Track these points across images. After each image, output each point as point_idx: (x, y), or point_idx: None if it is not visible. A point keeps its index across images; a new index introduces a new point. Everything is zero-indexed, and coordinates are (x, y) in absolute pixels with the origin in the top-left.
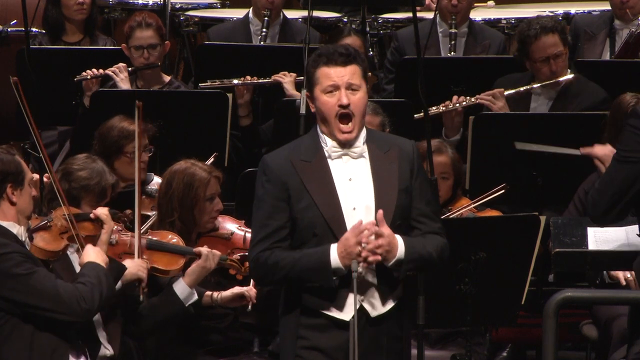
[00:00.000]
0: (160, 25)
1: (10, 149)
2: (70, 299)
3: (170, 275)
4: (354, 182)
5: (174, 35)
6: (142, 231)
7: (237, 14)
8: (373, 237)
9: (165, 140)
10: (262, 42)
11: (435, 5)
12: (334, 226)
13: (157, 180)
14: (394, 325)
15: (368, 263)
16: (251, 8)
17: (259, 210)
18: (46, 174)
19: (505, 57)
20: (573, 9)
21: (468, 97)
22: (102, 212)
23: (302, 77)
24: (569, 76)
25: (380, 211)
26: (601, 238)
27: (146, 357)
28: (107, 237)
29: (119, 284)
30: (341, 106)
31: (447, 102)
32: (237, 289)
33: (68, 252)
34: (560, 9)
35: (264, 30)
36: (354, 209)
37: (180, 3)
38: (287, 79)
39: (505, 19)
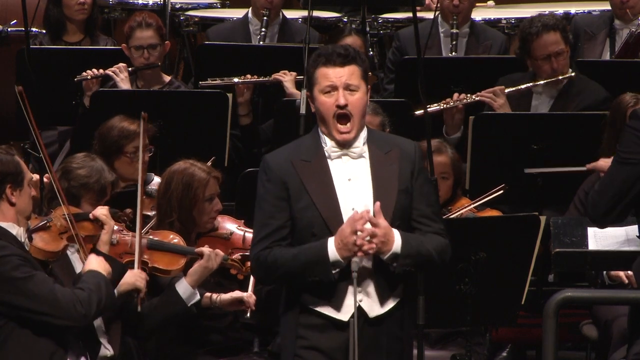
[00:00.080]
0: (160, 25)
1: (9, 149)
2: (67, 304)
3: (171, 275)
4: (353, 182)
5: (174, 35)
6: (143, 231)
7: (237, 14)
8: (369, 225)
9: (165, 140)
10: (261, 42)
11: (435, 5)
12: (332, 226)
13: (157, 181)
14: (394, 326)
15: (363, 252)
16: (250, 8)
17: (259, 209)
18: (46, 175)
19: (506, 57)
20: (573, 9)
21: (469, 95)
22: (102, 212)
23: (302, 77)
24: (570, 74)
25: (378, 203)
26: (601, 238)
27: (146, 357)
28: (108, 238)
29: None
30: (338, 106)
31: (448, 100)
32: (236, 294)
33: (68, 252)
34: (560, 9)
35: (263, 30)
36: (353, 209)
37: (180, 3)
38: (287, 78)
39: (505, 19)
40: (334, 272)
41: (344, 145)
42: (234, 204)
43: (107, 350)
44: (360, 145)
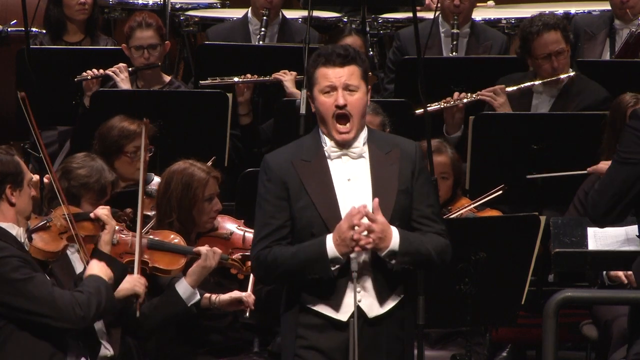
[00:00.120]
0: (160, 25)
1: (9, 149)
2: (66, 306)
3: (171, 275)
4: (352, 182)
5: (174, 35)
6: (143, 231)
7: (237, 14)
8: (365, 219)
9: (165, 140)
10: (260, 42)
11: (435, 5)
12: (331, 226)
13: (157, 181)
14: (395, 326)
15: (360, 247)
16: (250, 8)
17: (260, 209)
18: (46, 175)
19: (506, 57)
20: (573, 9)
21: (469, 94)
22: (104, 212)
23: (302, 76)
24: (570, 74)
25: (376, 199)
26: (601, 238)
27: (146, 357)
28: (110, 238)
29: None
30: (337, 106)
31: (448, 98)
32: (235, 294)
33: (68, 252)
34: (560, 9)
35: (263, 29)
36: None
37: (180, 3)
38: (287, 77)
39: (505, 19)
40: (333, 269)
41: (344, 145)
42: (234, 204)
43: (107, 350)
44: (360, 145)
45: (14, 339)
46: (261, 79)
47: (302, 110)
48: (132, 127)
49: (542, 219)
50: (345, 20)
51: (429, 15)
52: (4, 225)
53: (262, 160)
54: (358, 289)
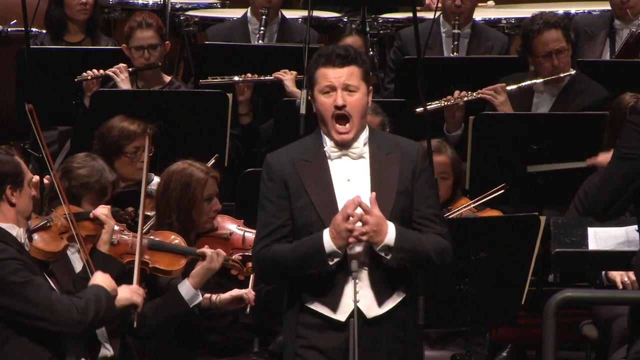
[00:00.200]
0: (160, 25)
1: (9, 149)
2: (63, 310)
3: (172, 276)
4: (352, 182)
5: (174, 35)
6: (144, 231)
7: (237, 14)
8: (360, 210)
9: (165, 140)
10: (260, 41)
11: (435, 5)
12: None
13: (157, 181)
14: (395, 327)
15: (354, 237)
16: (249, 7)
17: (262, 209)
18: (47, 176)
19: (506, 57)
20: (573, 9)
21: (469, 92)
22: (102, 212)
23: (302, 76)
24: (571, 72)
25: (373, 193)
26: (601, 238)
27: (146, 357)
28: (109, 237)
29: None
30: (336, 107)
31: (449, 97)
32: (235, 292)
33: (68, 252)
34: (560, 9)
35: (262, 29)
36: None
37: (180, 3)
38: (287, 77)
39: (505, 19)
40: (331, 263)
41: (344, 145)
42: (233, 204)
43: (107, 350)
44: (361, 145)
45: (12, 341)
46: (261, 78)
47: (302, 110)
48: (132, 127)
49: (542, 219)
50: (345, 20)
51: (429, 15)
52: (4, 225)
53: (264, 160)
54: (357, 289)
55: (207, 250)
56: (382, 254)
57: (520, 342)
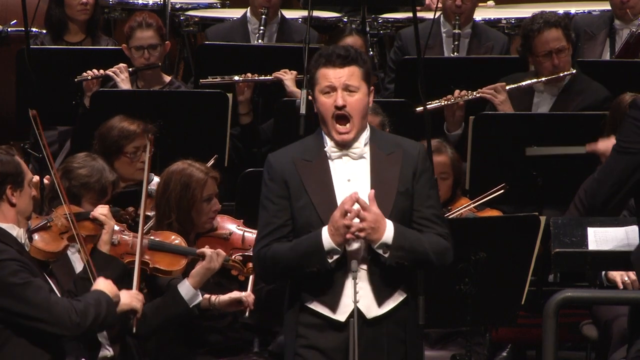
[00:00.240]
0: (160, 25)
1: (9, 149)
2: (62, 312)
3: (172, 276)
4: (352, 183)
5: (174, 35)
6: (144, 231)
7: (237, 14)
8: (357, 206)
9: (165, 140)
10: (259, 41)
11: (435, 6)
12: None
13: (157, 181)
14: (396, 328)
15: (352, 233)
16: (249, 7)
17: (263, 208)
18: (47, 176)
19: (506, 57)
20: (573, 9)
21: (470, 91)
22: (102, 212)
23: (303, 75)
24: (572, 71)
25: (372, 191)
26: (601, 238)
27: (146, 357)
28: (109, 237)
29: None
30: (337, 107)
31: (449, 96)
32: (235, 294)
33: (68, 252)
34: (560, 9)
35: (262, 28)
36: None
37: (180, 3)
38: (287, 77)
39: (505, 19)
40: (330, 260)
41: (344, 145)
42: (233, 204)
43: (107, 350)
44: (361, 146)
45: (12, 343)
46: (261, 78)
47: (302, 110)
48: (132, 127)
49: (542, 219)
50: (345, 20)
51: (429, 15)
52: (5, 226)
53: (266, 160)
54: (357, 289)
55: (207, 250)
56: (380, 252)
57: (520, 342)
